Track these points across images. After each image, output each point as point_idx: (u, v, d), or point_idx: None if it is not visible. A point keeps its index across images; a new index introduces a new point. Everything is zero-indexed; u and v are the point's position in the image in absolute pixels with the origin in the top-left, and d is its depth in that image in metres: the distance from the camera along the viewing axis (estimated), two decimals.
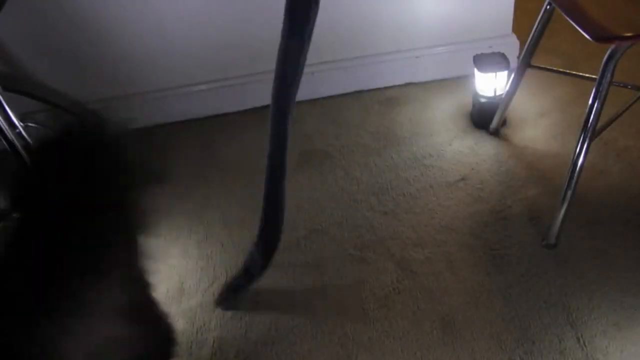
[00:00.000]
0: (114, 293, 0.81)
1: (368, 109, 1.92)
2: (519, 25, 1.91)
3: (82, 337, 0.76)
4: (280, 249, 1.51)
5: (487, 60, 1.70)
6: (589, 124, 1.28)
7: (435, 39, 1.93)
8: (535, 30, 1.48)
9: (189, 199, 1.70)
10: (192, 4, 1.75)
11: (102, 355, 0.78)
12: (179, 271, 1.50)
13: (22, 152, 1.41)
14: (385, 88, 2.00)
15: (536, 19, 1.46)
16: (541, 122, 1.78)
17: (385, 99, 1.95)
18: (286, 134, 1.12)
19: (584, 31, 1.17)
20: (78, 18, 1.73)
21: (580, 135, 1.30)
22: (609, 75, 1.23)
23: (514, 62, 1.76)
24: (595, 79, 1.26)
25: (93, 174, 0.87)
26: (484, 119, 1.77)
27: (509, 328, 1.27)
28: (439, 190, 1.60)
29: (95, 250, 0.79)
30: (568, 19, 1.22)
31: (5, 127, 1.38)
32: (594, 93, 1.26)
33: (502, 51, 1.73)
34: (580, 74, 1.59)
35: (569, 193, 1.34)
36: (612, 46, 1.20)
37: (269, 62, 1.89)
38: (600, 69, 1.23)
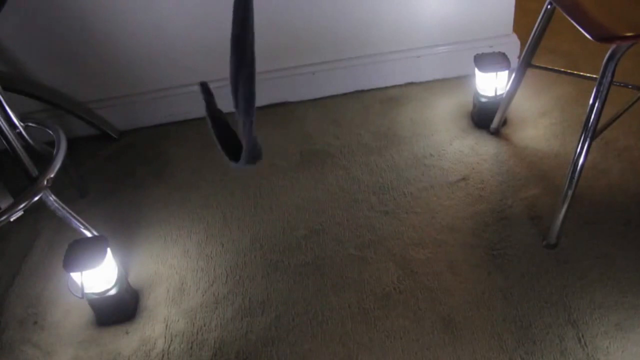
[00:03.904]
0: None
1: (369, 109, 1.92)
2: (520, 25, 1.91)
3: None
4: (281, 249, 1.51)
5: (488, 59, 1.70)
6: (590, 124, 1.28)
7: (436, 38, 1.92)
8: (536, 30, 1.48)
9: (189, 199, 1.70)
10: (192, 4, 1.75)
11: None
12: (179, 271, 1.50)
13: (23, 152, 1.41)
14: (386, 88, 2.00)
15: (537, 18, 1.46)
16: (542, 121, 1.78)
17: (386, 99, 1.95)
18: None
19: (585, 31, 1.16)
20: (78, 18, 1.73)
21: (581, 135, 1.30)
22: (609, 75, 1.22)
23: (514, 62, 1.76)
24: (596, 78, 1.25)
25: None
26: (485, 118, 1.77)
27: (510, 328, 1.27)
28: (440, 190, 1.60)
29: None
30: (569, 18, 1.22)
31: (5, 127, 1.38)
32: (595, 93, 1.25)
33: (502, 51, 1.73)
34: (581, 73, 1.58)
35: (570, 193, 1.33)
36: (613, 46, 1.20)
37: (269, 62, 1.90)
38: (601, 68, 1.23)
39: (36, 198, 1.38)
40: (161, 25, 1.78)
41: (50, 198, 1.43)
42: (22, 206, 1.36)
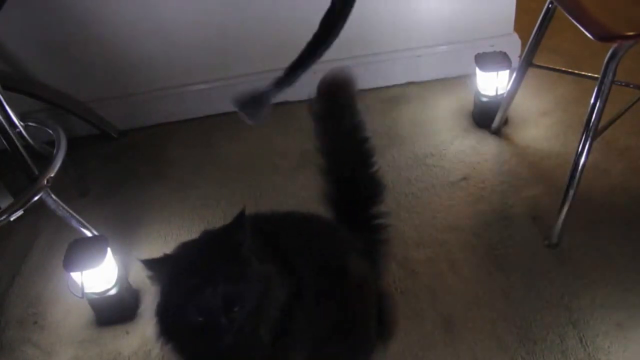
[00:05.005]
0: None
1: (369, 108, 1.92)
2: (521, 24, 1.91)
3: None
4: None
5: (489, 59, 1.69)
6: (591, 123, 1.27)
7: (436, 38, 1.92)
8: (537, 29, 1.47)
9: (190, 198, 1.70)
10: (192, 4, 1.75)
11: None
12: None
13: (23, 151, 1.40)
14: (387, 87, 1.99)
15: (538, 17, 1.46)
16: (543, 121, 1.77)
17: (386, 98, 1.95)
18: None
19: (586, 30, 1.16)
20: (78, 18, 1.73)
21: (582, 135, 1.29)
22: (610, 74, 1.22)
23: (515, 61, 1.75)
24: (597, 78, 1.25)
25: None
26: (486, 118, 1.76)
27: (511, 328, 1.26)
28: (441, 190, 1.60)
29: None
30: (570, 17, 1.22)
31: (5, 126, 1.38)
32: (596, 92, 1.25)
33: (503, 50, 1.73)
34: (582, 73, 1.58)
35: (571, 192, 1.33)
36: (614, 45, 1.20)
37: (270, 61, 1.89)
38: (602, 68, 1.23)
39: (36, 198, 1.38)
40: (161, 25, 1.78)
41: (50, 198, 1.43)
42: (22, 206, 1.36)
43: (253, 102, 1.12)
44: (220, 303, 0.82)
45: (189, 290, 0.83)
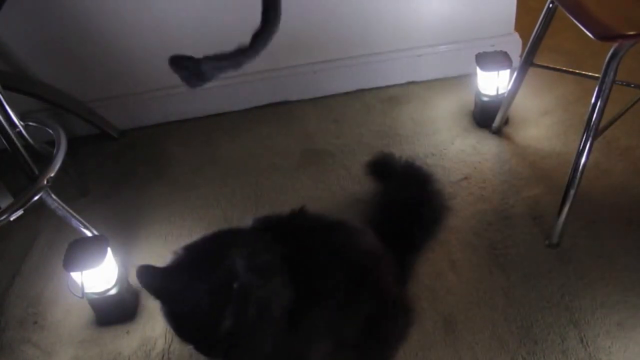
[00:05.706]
0: None
1: (370, 108, 1.92)
2: (522, 23, 1.91)
3: None
4: None
5: (490, 58, 1.69)
6: (592, 123, 1.27)
7: (437, 37, 1.92)
8: (537, 29, 1.47)
9: (190, 198, 1.70)
10: (192, 3, 1.75)
11: None
12: None
13: (23, 151, 1.40)
14: (387, 87, 1.99)
15: (539, 17, 1.45)
16: (544, 121, 1.77)
17: (387, 98, 1.95)
18: None
19: (587, 29, 1.16)
20: (78, 17, 1.73)
21: (583, 134, 1.29)
22: (611, 73, 1.22)
23: (516, 61, 1.75)
24: (598, 77, 1.25)
25: None
26: (487, 117, 1.76)
27: (512, 328, 1.26)
28: (441, 189, 1.60)
29: None
30: (571, 17, 1.21)
31: (5, 126, 1.38)
32: (597, 92, 1.25)
33: (504, 50, 1.72)
34: (583, 72, 1.58)
35: (572, 192, 1.33)
36: (615, 44, 1.19)
37: (270, 61, 1.89)
38: (603, 67, 1.22)
39: (36, 197, 1.38)
40: (161, 24, 1.78)
41: (50, 197, 1.42)
42: (22, 205, 1.35)
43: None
44: (215, 329, 0.87)
45: (183, 313, 0.89)
